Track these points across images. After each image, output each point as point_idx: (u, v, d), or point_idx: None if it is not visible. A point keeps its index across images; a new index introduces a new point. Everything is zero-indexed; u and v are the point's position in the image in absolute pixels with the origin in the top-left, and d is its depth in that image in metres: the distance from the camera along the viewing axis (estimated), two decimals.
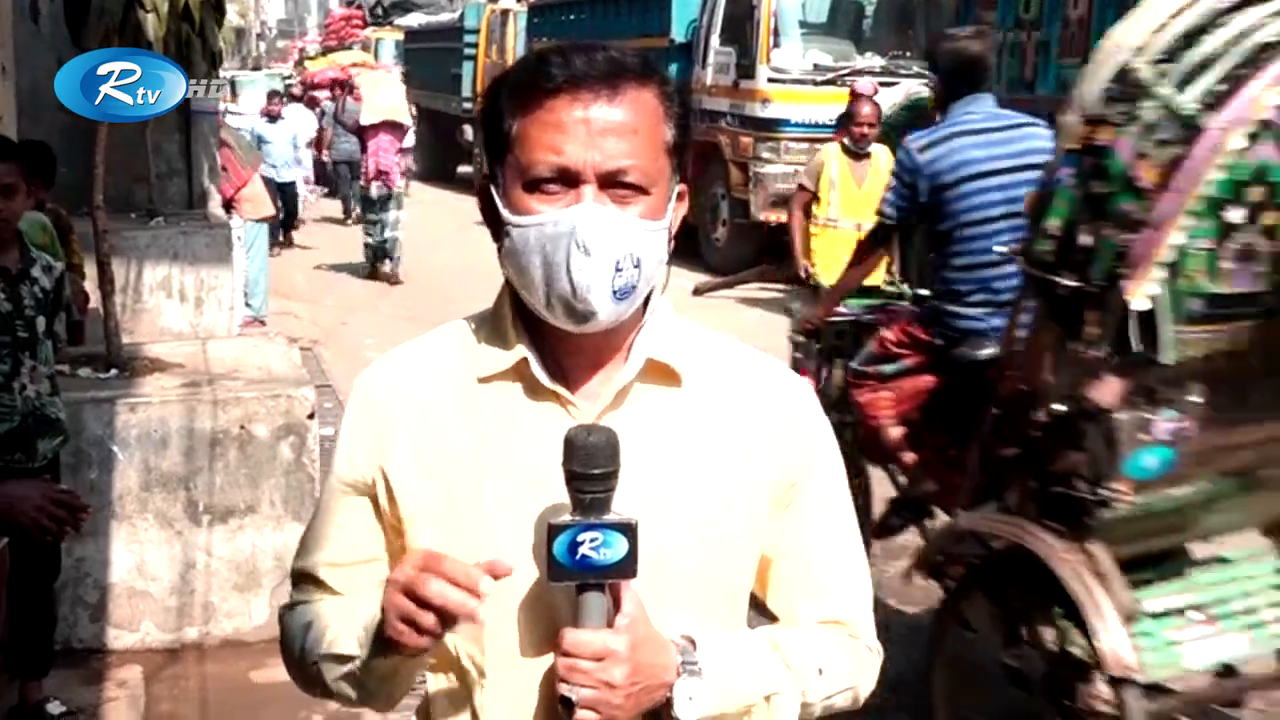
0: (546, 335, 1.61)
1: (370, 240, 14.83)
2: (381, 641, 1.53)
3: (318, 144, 19.28)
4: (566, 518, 1.47)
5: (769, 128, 13.92)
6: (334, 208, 19.81)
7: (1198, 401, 3.59)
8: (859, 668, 1.72)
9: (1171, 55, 3.42)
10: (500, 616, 1.53)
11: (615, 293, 1.53)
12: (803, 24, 14.48)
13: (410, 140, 20.80)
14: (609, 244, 1.51)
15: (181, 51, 6.84)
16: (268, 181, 14.30)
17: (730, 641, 1.60)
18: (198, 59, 8.00)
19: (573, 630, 1.47)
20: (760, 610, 1.73)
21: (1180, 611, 3.77)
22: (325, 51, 28.95)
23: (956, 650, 4.18)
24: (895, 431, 5.00)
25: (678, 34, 15.88)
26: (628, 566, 1.47)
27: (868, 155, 7.91)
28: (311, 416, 5.27)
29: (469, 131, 23.20)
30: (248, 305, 11.34)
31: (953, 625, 4.23)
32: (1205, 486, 3.80)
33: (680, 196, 1.63)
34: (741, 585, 1.69)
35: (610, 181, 1.53)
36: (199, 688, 4.96)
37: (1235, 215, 3.32)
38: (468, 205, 15.60)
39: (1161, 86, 3.37)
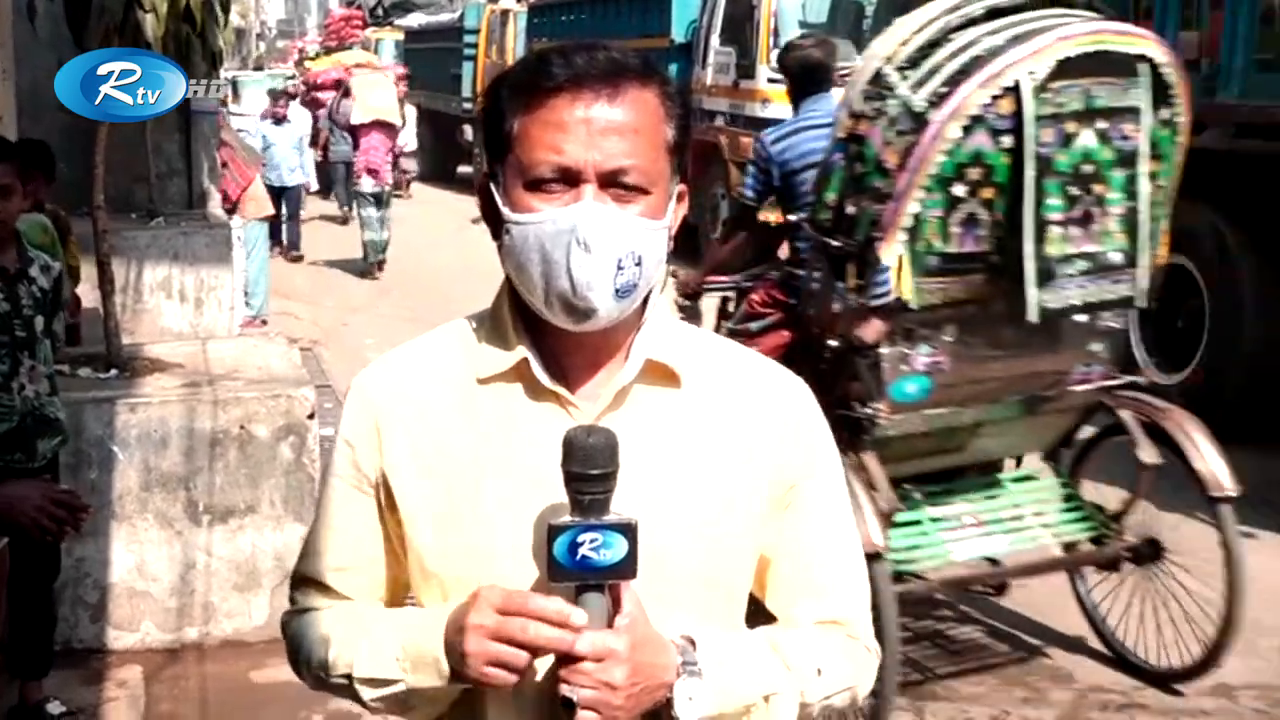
0: (546, 335, 1.61)
1: (368, 237, 15.04)
2: (455, 677, 1.52)
3: (313, 142, 19.19)
4: (566, 518, 1.46)
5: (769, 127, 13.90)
6: (333, 208, 19.79)
7: (950, 340, 4.59)
8: (857, 668, 1.72)
9: (913, 63, 4.33)
10: None
11: (617, 291, 1.52)
12: (803, 24, 14.44)
13: (411, 144, 20.74)
14: (610, 242, 1.51)
15: (181, 51, 6.82)
16: (270, 187, 14.18)
17: (730, 642, 1.60)
18: (198, 59, 7.98)
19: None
20: (758, 610, 1.73)
21: (957, 518, 4.77)
22: (326, 51, 28.84)
23: None
24: None
25: (678, 34, 15.86)
26: (627, 567, 1.46)
27: None
28: (311, 417, 5.27)
29: (469, 131, 23.18)
30: (247, 305, 11.33)
31: None
32: (975, 414, 4.73)
33: (680, 197, 1.63)
34: (740, 585, 1.69)
35: (611, 181, 1.53)
36: (199, 688, 4.97)
37: (959, 190, 4.26)
38: (468, 205, 15.61)
39: (901, 87, 4.30)
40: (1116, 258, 4.48)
